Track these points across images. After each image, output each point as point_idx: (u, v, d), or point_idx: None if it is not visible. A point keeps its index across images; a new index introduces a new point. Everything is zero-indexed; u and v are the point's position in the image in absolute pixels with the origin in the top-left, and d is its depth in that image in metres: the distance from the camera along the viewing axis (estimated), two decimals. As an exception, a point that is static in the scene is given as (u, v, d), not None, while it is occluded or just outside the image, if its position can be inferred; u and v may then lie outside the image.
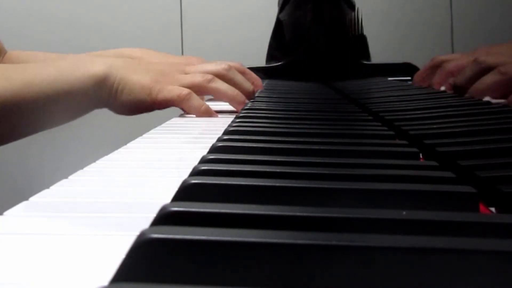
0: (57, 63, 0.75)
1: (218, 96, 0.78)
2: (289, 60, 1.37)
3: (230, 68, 0.80)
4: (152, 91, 0.73)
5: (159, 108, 0.75)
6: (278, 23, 1.42)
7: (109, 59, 0.75)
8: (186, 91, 0.74)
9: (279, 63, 1.38)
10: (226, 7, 1.95)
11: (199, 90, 0.76)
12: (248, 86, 0.82)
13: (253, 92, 0.83)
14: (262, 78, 1.32)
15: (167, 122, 0.70)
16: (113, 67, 0.72)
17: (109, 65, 0.72)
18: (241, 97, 0.78)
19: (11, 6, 1.92)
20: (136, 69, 0.75)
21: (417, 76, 1.13)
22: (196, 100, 0.74)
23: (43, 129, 0.75)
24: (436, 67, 1.06)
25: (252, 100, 0.81)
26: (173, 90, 0.73)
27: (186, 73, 0.77)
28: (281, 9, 1.41)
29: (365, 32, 1.39)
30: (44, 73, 0.69)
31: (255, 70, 1.20)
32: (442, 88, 1.00)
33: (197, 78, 0.76)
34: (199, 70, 0.78)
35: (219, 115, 0.76)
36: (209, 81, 0.76)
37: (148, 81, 0.74)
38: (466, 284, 0.20)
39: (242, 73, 0.90)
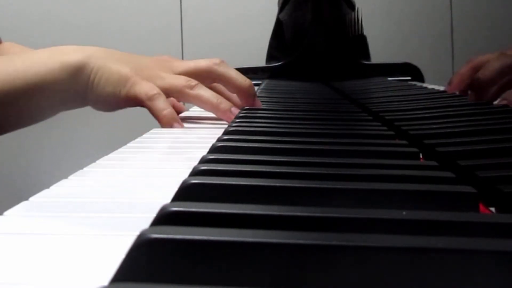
0: (30, 54, 0.67)
1: (200, 105, 0.69)
2: (289, 60, 1.37)
3: (220, 61, 0.72)
4: (128, 83, 0.65)
5: (128, 105, 0.67)
6: (278, 23, 1.43)
7: (90, 49, 0.67)
8: (156, 90, 0.66)
9: (279, 63, 1.38)
10: (226, 8, 1.95)
11: (179, 95, 0.68)
12: (242, 80, 0.71)
13: (253, 88, 0.74)
14: (262, 78, 1.33)
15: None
16: (91, 57, 0.65)
17: (87, 54, 0.65)
18: (225, 104, 0.68)
19: (10, 6, 1.92)
20: (118, 59, 0.67)
21: (456, 79, 0.96)
22: (162, 102, 0.65)
23: (18, 125, 0.68)
24: (475, 68, 0.93)
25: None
26: (145, 87, 0.65)
27: (173, 72, 0.70)
28: (281, 9, 1.41)
29: (365, 32, 1.39)
30: (13, 65, 0.64)
31: (255, 70, 1.20)
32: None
33: (179, 81, 0.68)
34: (187, 69, 0.70)
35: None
36: (192, 87, 0.67)
37: (128, 71, 0.66)
38: (466, 284, 0.20)
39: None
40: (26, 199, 0.31)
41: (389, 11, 1.94)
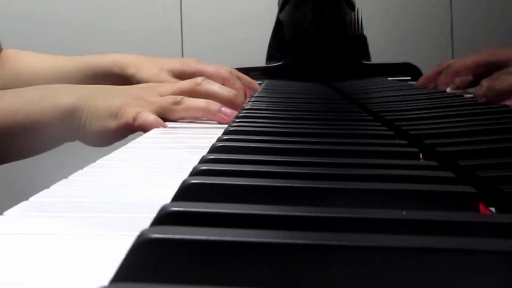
0: (23, 93, 0.69)
1: (192, 114, 0.71)
2: (289, 60, 1.37)
3: (202, 80, 0.73)
4: (118, 114, 0.67)
5: (125, 134, 0.68)
6: (278, 23, 1.42)
7: (82, 90, 0.69)
8: (139, 110, 0.67)
9: (279, 63, 1.38)
10: (226, 8, 1.95)
11: (170, 113, 0.70)
12: (226, 92, 0.73)
13: (239, 97, 0.75)
14: (262, 78, 1.33)
15: (167, 123, 0.70)
16: (83, 98, 0.66)
17: (78, 96, 0.66)
18: (215, 106, 0.70)
19: (9, 6, 1.92)
20: (108, 95, 0.69)
21: (422, 78, 1.12)
22: (145, 114, 0.66)
23: (7, 160, 0.69)
24: (442, 71, 1.05)
25: (252, 100, 0.81)
26: (131, 111, 0.67)
27: (161, 95, 0.72)
28: (281, 9, 1.41)
29: (365, 32, 1.39)
30: (5, 104, 0.65)
31: (255, 70, 1.20)
32: (448, 89, 0.99)
33: (167, 100, 0.70)
34: (170, 91, 0.72)
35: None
36: (178, 102, 0.69)
37: (118, 104, 0.68)
38: (466, 284, 0.20)
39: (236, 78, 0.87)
40: (26, 199, 0.31)
41: (389, 11, 1.94)
